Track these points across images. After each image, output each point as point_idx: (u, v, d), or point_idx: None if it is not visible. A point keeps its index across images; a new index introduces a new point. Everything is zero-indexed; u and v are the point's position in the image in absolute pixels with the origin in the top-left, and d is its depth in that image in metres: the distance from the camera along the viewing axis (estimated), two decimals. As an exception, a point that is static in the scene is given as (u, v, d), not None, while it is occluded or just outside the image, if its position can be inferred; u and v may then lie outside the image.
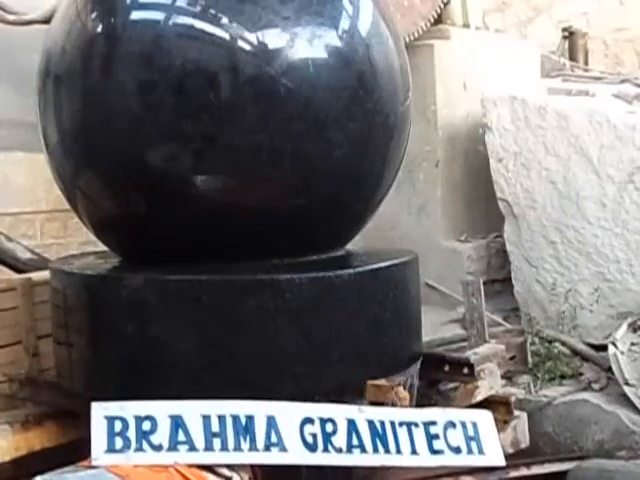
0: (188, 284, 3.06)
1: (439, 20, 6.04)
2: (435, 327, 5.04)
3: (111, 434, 2.80)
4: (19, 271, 4.83)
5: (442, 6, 5.95)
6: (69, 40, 3.27)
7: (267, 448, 2.86)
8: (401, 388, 3.13)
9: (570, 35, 8.23)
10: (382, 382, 3.14)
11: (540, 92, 5.91)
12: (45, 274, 3.78)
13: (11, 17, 5.88)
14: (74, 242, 5.80)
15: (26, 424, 3.36)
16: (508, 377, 4.43)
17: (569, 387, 4.52)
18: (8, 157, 5.65)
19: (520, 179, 5.32)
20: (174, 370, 3.04)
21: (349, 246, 3.66)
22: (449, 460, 3.07)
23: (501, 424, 3.47)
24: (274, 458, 2.86)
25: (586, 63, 8.16)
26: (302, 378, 3.10)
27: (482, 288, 4.34)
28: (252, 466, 2.89)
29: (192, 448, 2.81)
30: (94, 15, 3.26)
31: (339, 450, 2.92)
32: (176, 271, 3.12)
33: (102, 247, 3.68)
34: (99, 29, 3.24)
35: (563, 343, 4.91)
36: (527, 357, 4.15)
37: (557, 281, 5.15)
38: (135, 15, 3.20)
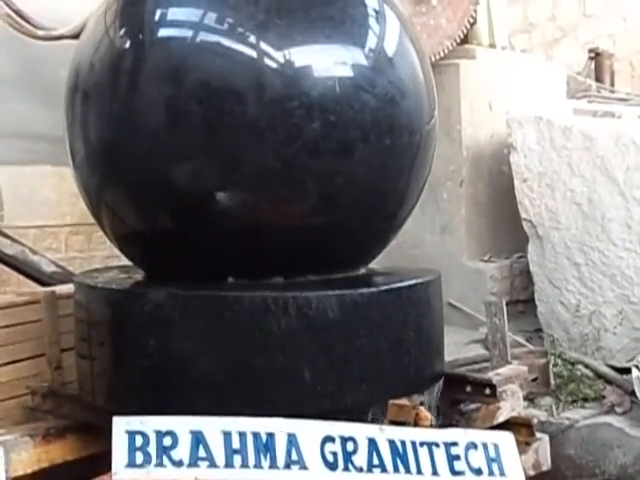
0: (211, 300, 3.06)
1: (465, 40, 6.05)
2: (457, 347, 5.03)
3: (132, 449, 2.79)
4: (43, 284, 4.86)
5: (468, 26, 5.96)
6: (97, 56, 3.29)
7: (287, 466, 2.85)
8: (423, 408, 3.12)
9: (596, 56, 8.23)
10: (404, 402, 3.13)
11: (566, 113, 5.92)
12: (69, 287, 3.79)
13: (40, 33, 5.93)
14: (98, 256, 5.84)
15: (48, 437, 3.37)
16: (530, 399, 4.41)
17: (592, 410, 4.49)
18: (35, 170, 5.70)
19: (545, 200, 5.31)
20: (195, 386, 3.04)
21: (372, 265, 3.66)
22: (470, 481, 3.05)
23: (523, 446, 3.46)
24: (294, 476, 2.85)
25: (612, 84, 8.16)
26: (323, 396, 3.09)
27: (505, 308, 4.33)
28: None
29: (212, 464, 2.81)
30: (122, 31, 3.28)
31: (360, 469, 2.90)
32: (199, 287, 3.12)
33: (125, 261, 3.69)
34: (127, 45, 3.25)
35: (586, 365, 4.88)
36: (550, 379, 4.12)
37: (581, 303, 5.13)
38: (163, 32, 3.22)
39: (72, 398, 3.56)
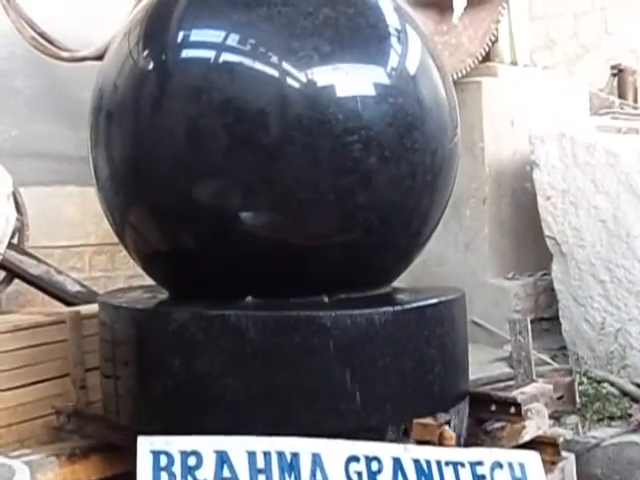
0: (234, 319, 3.06)
1: (487, 58, 6.07)
2: (482, 365, 5.01)
3: (156, 468, 2.80)
4: (68, 304, 4.89)
5: (490, 44, 5.97)
6: (121, 77, 3.31)
7: (312, 485, 2.85)
8: (447, 427, 3.10)
9: (619, 72, 8.22)
10: (428, 420, 3.12)
11: (589, 130, 5.90)
12: (94, 307, 3.81)
13: (65, 54, 6.00)
14: (121, 275, 5.88)
15: (72, 457, 3.37)
16: (556, 417, 4.39)
17: (618, 428, 4.46)
18: (61, 191, 5.74)
19: (568, 217, 5.29)
20: (220, 405, 3.04)
21: (396, 283, 3.65)
22: (496, 501, 3.03)
23: (548, 465, 3.43)
24: (319, 496, 2.85)
25: (635, 101, 8.13)
26: (347, 415, 3.08)
27: (529, 326, 4.30)
28: (296, 503, 2.88)
29: (237, 484, 2.81)
30: (145, 53, 3.30)
31: (384, 489, 2.89)
32: (223, 306, 3.12)
33: (149, 280, 3.70)
34: (150, 66, 3.27)
35: (612, 383, 4.85)
36: (575, 397, 4.09)
37: (606, 320, 5.10)
38: (186, 53, 3.23)
39: (97, 418, 3.57)
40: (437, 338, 3.30)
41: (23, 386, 3.88)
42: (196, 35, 3.23)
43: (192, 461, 2.82)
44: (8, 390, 3.82)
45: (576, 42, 9.31)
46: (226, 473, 2.81)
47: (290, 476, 2.83)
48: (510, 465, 3.07)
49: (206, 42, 3.21)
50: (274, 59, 3.08)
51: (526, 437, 3.55)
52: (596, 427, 4.48)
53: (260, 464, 2.84)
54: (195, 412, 3.06)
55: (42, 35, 6.08)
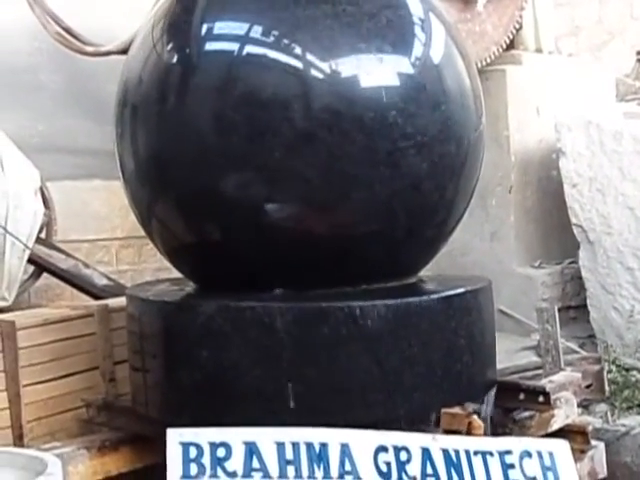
0: (261, 311, 3.07)
1: (511, 45, 6.03)
2: (509, 354, 4.99)
3: (186, 460, 2.81)
4: (96, 297, 4.92)
5: (514, 32, 5.93)
6: (145, 71, 3.33)
7: (341, 476, 2.85)
8: (476, 416, 3.10)
9: (645, 59, 8.14)
10: (456, 410, 3.12)
11: (615, 116, 5.85)
12: (121, 300, 3.83)
13: (89, 49, 6.02)
14: (148, 268, 5.89)
15: (102, 449, 3.40)
16: (584, 406, 4.37)
17: (647, 416, 4.44)
18: (87, 185, 5.77)
19: (595, 204, 5.26)
20: (248, 396, 3.06)
21: (422, 273, 3.65)
22: (525, 490, 3.03)
23: (578, 454, 3.42)
24: (348, 486, 2.86)
25: (662, 86, 8.05)
26: (375, 405, 3.09)
27: (557, 315, 4.29)
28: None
29: (266, 475, 2.81)
30: (170, 46, 3.31)
31: (413, 479, 2.89)
32: (249, 298, 3.13)
33: (176, 273, 3.72)
34: (174, 60, 3.28)
35: (641, 371, 4.83)
36: (604, 385, 4.07)
37: (635, 308, 5.07)
38: (209, 46, 3.24)
39: (126, 410, 3.59)
40: (464, 327, 3.29)
41: (53, 379, 3.90)
42: (220, 28, 3.24)
43: (221, 452, 2.83)
44: (38, 384, 3.85)
45: (601, 28, 9.24)
46: (255, 464, 2.83)
47: (319, 467, 2.84)
48: (539, 454, 3.06)
49: (230, 34, 3.21)
50: (297, 50, 3.08)
51: (555, 426, 3.54)
52: (625, 415, 4.45)
53: (289, 455, 2.85)
54: (224, 403, 3.08)
55: (67, 30, 6.10)
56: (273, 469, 2.83)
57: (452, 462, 2.94)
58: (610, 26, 9.20)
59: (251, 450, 2.84)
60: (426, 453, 2.93)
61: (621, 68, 8.02)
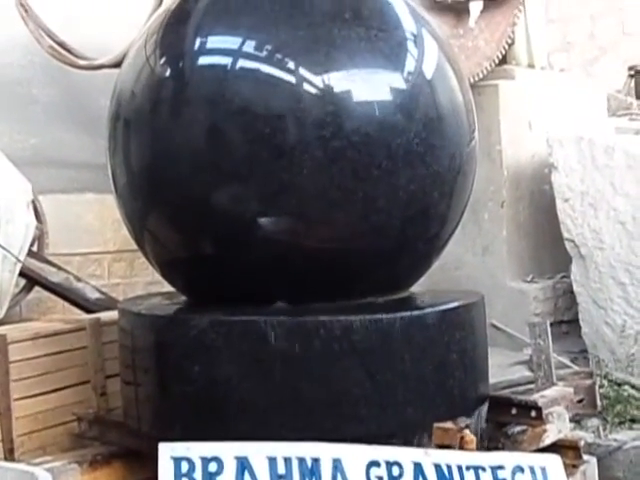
0: (254, 325, 3.06)
1: (504, 60, 6.06)
2: (501, 369, 4.99)
3: (178, 475, 2.80)
4: (88, 311, 4.91)
5: (507, 47, 5.96)
6: (138, 84, 3.33)
7: (333, 491, 2.84)
8: (468, 431, 3.09)
9: (636, 74, 8.19)
10: (449, 425, 3.11)
11: (607, 131, 5.87)
12: (113, 314, 3.82)
13: (82, 62, 6.03)
14: (140, 282, 5.89)
15: (94, 464, 3.38)
16: (577, 420, 4.37)
17: (639, 431, 4.43)
18: (79, 198, 5.77)
19: (587, 219, 5.27)
20: (240, 411, 3.05)
21: (414, 287, 3.65)
22: (517, 505, 3.02)
23: (570, 469, 3.41)
24: (340, 501, 2.85)
25: (653, 102, 8.09)
26: (367, 420, 3.08)
27: (549, 329, 4.29)
28: (317, 509, 2.88)
29: (258, 490, 2.81)
30: (163, 60, 3.32)
31: (405, 493, 2.89)
32: (242, 312, 3.13)
33: (168, 287, 3.71)
34: (167, 73, 3.29)
35: (633, 386, 4.83)
36: (596, 400, 4.07)
37: (626, 323, 5.07)
38: (202, 60, 3.24)
39: (118, 424, 3.58)
40: (457, 342, 3.29)
41: (44, 393, 3.89)
42: (213, 42, 3.25)
43: (213, 467, 2.82)
44: (29, 397, 3.84)
45: (593, 44, 9.29)
46: (247, 479, 2.81)
47: (311, 481, 2.83)
48: (531, 469, 3.05)
49: (222, 49, 3.22)
50: (290, 64, 3.09)
51: (547, 441, 3.53)
52: (617, 430, 4.45)
53: (281, 470, 2.84)
54: (216, 418, 3.07)
55: (60, 44, 6.11)
56: (265, 484, 2.82)
57: (444, 477, 2.93)
58: (602, 42, 9.25)
59: (243, 465, 2.82)
60: (418, 468, 2.92)
61: (613, 83, 8.06)
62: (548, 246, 5.87)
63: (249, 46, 3.15)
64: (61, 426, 3.90)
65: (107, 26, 6.28)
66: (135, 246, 3.63)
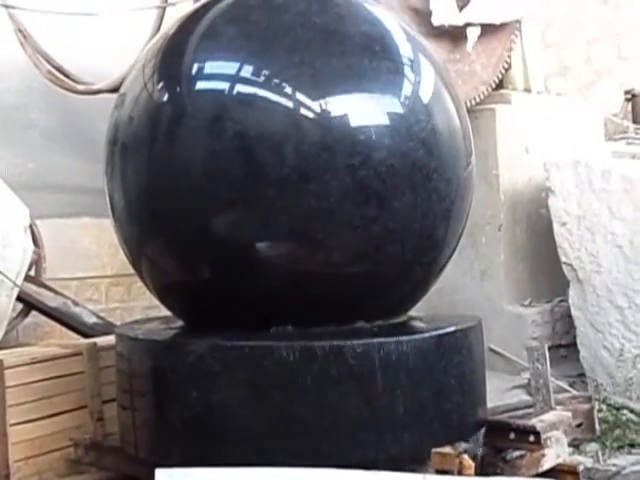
0: (251, 350, 3.06)
1: (500, 85, 6.07)
2: (499, 393, 4.97)
3: (175, 500, 2.79)
4: (85, 335, 4.90)
5: (503, 71, 5.98)
6: (136, 109, 3.34)
7: (331, 516, 2.83)
8: (466, 456, 3.08)
9: (633, 97, 8.20)
10: (447, 450, 3.10)
11: (604, 155, 5.88)
12: (110, 339, 3.82)
13: (80, 87, 6.05)
14: (138, 306, 5.88)
15: (91, 489, 3.38)
16: (575, 445, 4.35)
17: (638, 456, 4.41)
18: (76, 222, 5.77)
19: (584, 243, 5.27)
20: (238, 436, 3.04)
21: (412, 311, 3.64)
22: (516, 530, 3.01)
23: (569, 494, 3.40)
24: (338, 527, 2.83)
25: (650, 126, 8.10)
26: (366, 445, 3.07)
27: (547, 353, 4.27)
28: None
29: (255, 516, 2.79)
30: (160, 85, 3.33)
31: (404, 519, 2.87)
32: (240, 337, 3.13)
33: (165, 311, 3.71)
34: (165, 98, 3.30)
35: (631, 410, 4.81)
36: (595, 424, 4.06)
37: (624, 346, 5.06)
38: (200, 85, 3.26)
39: (114, 450, 3.57)
40: (455, 366, 3.29)
41: (41, 419, 3.88)
42: (210, 67, 3.26)
43: (210, 493, 2.81)
44: (26, 423, 3.82)
45: (590, 68, 9.31)
46: (245, 505, 2.80)
47: (309, 507, 2.82)
48: (530, 494, 3.05)
49: (220, 74, 3.24)
50: (287, 90, 3.10)
51: (546, 465, 3.52)
52: (616, 455, 4.43)
53: (279, 495, 2.82)
54: (213, 443, 3.06)
55: (58, 69, 6.12)
56: (262, 510, 2.80)
57: (443, 502, 2.92)
58: (598, 66, 9.28)
59: (241, 491, 2.81)
60: (417, 493, 2.91)
61: (609, 107, 8.07)
62: (546, 270, 5.86)
63: (246, 71, 3.16)
64: (58, 451, 3.89)
65: (105, 51, 6.30)
66: (132, 270, 3.63)
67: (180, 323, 3.59)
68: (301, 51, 3.17)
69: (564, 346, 5.73)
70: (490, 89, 5.89)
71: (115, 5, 5.79)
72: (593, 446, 4.47)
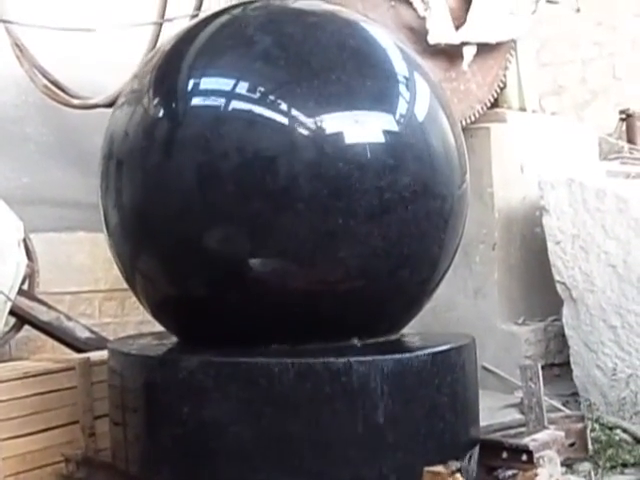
0: (244, 367, 3.05)
1: (495, 104, 6.09)
2: (492, 412, 4.97)
3: (165, 517, 2.78)
4: (78, 350, 4.88)
5: (498, 90, 6.00)
6: (131, 124, 3.34)
7: (322, 535, 2.82)
8: (459, 475, 3.07)
9: (627, 117, 8.23)
10: (439, 468, 3.09)
11: (598, 175, 5.90)
12: (103, 354, 3.81)
13: (76, 102, 6.06)
14: (131, 321, 5.88)
15: (81, 505, 3.36)
16: (568, 465, 4.34)
17: (631, 476, 4.41)
18: (70, 237, 5.77)
19: (578, 262, 5.28)
20: (229, 453, 3.02)
21: (406, 329, 3.64)
22: None
23: (562, 514, 3.39)
24: None
25: (644, 145, 8.13)
26: (358, 463, 3.06)
27: (540, 372, 4.27)
28: None
29: (246, 533, 2.78)
30: (156, 100, 3.33)
31: (395, 538, 2.86)
32: (232, 353, 3.12)
33: (159, 327, 3.70)
34: (160, 114, 3.30)
35: (624, 430, 4.81)
36: (587, 444, 4.05)
37: (617, 366, 5.06)
38: (195, 101, 3.26)
39: (106, 465, 3.55)
40: (448, 385, 3.28)
41: (32, 433, 3.86)
42: (205, 83, 3.26)
43: (201, 510, 2.80)
44: (17, 437, 3.81)
45: (585, 88, 9.36)
46: (235, 522, 2.79)
47: (300, 525, 2.81)
48: (522, 514, 3.04)
49: (215, 90, 3.23)
50: (283, 106, 3.10)
51: (538, 485, 3.51)
52: (609, 474, 4.43)
53: (270, 513, 2.82)
54: (204, 460, 3.05)
55: (54, 83, 6.13)
56: (253, 527, 2.79)
57: (434, 521, 2.91)
58: (593, 86, 9.33)
59: (231, 508, 2.80)
60: (408, 512, 2.91)
61: (604, 127, 8.11)
62: (539, 288, 5.86)
63: (242, 87, 3.15)
64: (49, 467, 3.87)
65: (101, 66, 6.31)
66: (126, 285, 3.62)
67: (173, 339, 3.58)
68: (297, 68, 3.17)
69: (557, 365, 5.73)
70: (485, 108, 5.92)
71: (112, 20, 5.81)
72: (586, 466, 4.47)
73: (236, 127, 3.13)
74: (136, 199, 3.33)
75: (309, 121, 3.08)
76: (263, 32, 3.27)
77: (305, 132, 3.07)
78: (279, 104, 3.10)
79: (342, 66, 3.22)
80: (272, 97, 3.11)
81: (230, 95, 3.16)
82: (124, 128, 3.36)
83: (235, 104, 3.16)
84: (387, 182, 3.12)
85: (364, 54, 3.31)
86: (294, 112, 3.09)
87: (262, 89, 3.13)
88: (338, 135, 3.11)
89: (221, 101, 3.18)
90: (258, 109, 3.13)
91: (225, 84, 3.20)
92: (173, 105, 3.28)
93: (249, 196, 3.06)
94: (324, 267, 3.17)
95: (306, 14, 3.45)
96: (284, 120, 3.09)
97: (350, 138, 3.12)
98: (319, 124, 3.08)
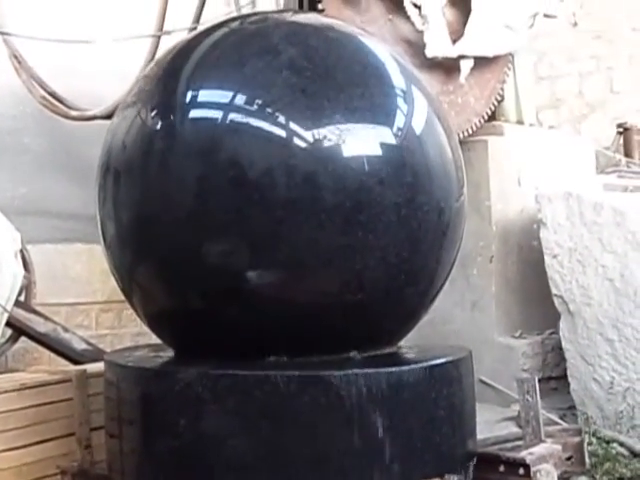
0: (241, 379, 3.05)
1: (493, 117, 6.11)
2: (489, 425, 4.96)
3: (161, 530, 2.77)
4: (75, 362, 4.88)
5: (496, 103, 6.01)
6: (129, 136, 3.34)
7: None
8: (455, 488, 3.07)
9: (625, 131, 8.25)
10: (436, 482, 3.09)
11: (596, 188, 5.91)
12: (100, 366, 3.80)
13: (74, 113, 6.07)
14: (128, 333, 5.87)
15: (77, 518, 3.35)
16: (565, 478, 4.33)
17: (628, 490, 4.40)
18: (67, 248, 5.77)
19: (576, 275, 5.28)
20: (226, 466, 3.02)
21: (403, 341, 3.63)
22: None
23: (559, 528, 3.38)
24: None
25: (642, 159, 8.15)
26: (354, 476, 3.05)
27: (537, 385, 4.26)
28: None
29: None
30: (154, 112, 3.33)
31: None
32: (229, 366, 3.11)
33: (156, 339, 3.69)
34: (158, 126, 3.30)
35: (621, 444, 4.80)
36: (584, 458, 4.04)
37: (615, 380, 5.06)
38: (193, 113, 3.26)
39: (102, 478, 3.54)
40: (444, 398, 3.27)
41: (28, 445, 3.86)
42: (203, 95, 3.26)
43: (197, 523, 2.79)
44: (13, 449, 3.80)
45: (582, 101, 9.37)
46: (232, 535, 2.78)
47: (296, 539, 2.80)
48: (519, 528, 3.03)
49: (214, 102, 3.24)
50: (281, 119, 3.10)
51: (535, 499, 3.50)
52: (606, 488, 4.43)
53: (266, 526, 2.81)
54: (201, 473, 3.04)
55: (52, 94, 6.14)
56: (249, 541, 2.78)
57: (431, 535, 2.91)
58: (590, 99, 9.34)
59: (228, 521, 2.79)
60: (405, 526, 2.90)
61: (601, 140, 8.12)
62: (537, 302, 5.86)
63: (240, 100, 3.15)
64: (45, 479, 3.86)
65: (99, 77, 6.32)
66: (123, 297, 3.62)
67: (170, 351, 3.57)
68: (295, 80, 3.18)
69: (554, 378, 5.72)
70: (483, 121, 5.93)
71: (110, 32, 5.82)
72: (583, 479, 4.46)
73: (234, 139, 3.12)
74: (133, 211, 3.33)
75: (307, 134, 3.07)
76: (263, 45, 3.28)
77: (303, 145, 3.04)
78: (277, 117, 3.08)
79: (340, 79, 3.23)
80: (269, 109, 3.10)
81: (228, 107, 3.15)
82: (122, 140, 3.36)
83: (233, 116, 3.13)
84: (384, 195, 3.11)
85: (362, 66, 3.32)
86: (292, 124, 3.10)
87: (260, 101, 3.11)
88: (336, 148, 3.07)
89: (219, 113, 3.17)
90: (256, 121, 3.13)
91: (223, 96, 3.20)
92: (171, 117, 3.28)
93: (246, 209, 3.06)
94: (322, 281, 3.17)
95: (304, 26, 3.47)
96: (281, 132, 3.08)
97: (347, 151, 3.10)
98: (317, 137, 3.05)
